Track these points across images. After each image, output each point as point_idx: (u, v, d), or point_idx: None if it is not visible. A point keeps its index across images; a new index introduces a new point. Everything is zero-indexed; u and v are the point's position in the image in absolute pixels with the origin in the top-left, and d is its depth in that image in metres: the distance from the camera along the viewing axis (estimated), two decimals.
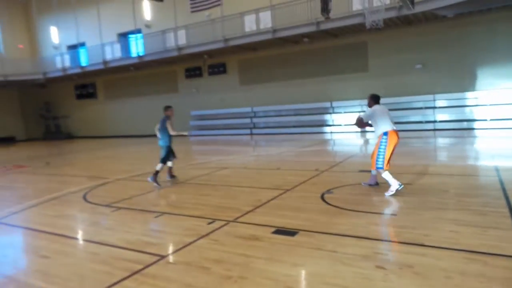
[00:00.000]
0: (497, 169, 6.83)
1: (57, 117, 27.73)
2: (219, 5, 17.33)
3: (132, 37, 22.75)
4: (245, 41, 17.24)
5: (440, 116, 15.09)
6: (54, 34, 25.43)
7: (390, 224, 4.43)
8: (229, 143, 16.30)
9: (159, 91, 22.73)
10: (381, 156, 5.38)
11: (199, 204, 5.62)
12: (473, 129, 14.22)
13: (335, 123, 17.40)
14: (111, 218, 5.28)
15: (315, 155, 10.87)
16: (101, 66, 22.17)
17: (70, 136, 27.36)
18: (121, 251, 3.88)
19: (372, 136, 15.03)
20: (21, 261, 3.96)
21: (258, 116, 19.71)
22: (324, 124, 17.72)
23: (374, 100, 5.81)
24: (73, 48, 25.02)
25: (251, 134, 19.34)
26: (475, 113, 14.52)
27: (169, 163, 7.67)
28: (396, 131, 5.47)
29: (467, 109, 14.71)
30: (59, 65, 24.04)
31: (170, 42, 19.48)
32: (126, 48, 22.65)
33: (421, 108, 15.35)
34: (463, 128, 14.32)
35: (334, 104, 17.47)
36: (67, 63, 23.89)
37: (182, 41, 19.01)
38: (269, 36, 16.39)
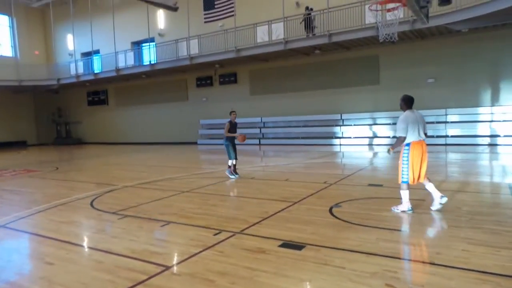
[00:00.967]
0: (511, 187, 6.66)
1: (68, 123, 28.14)
2: (232, 16, 17.52)
3: (145, 46, 23.09)
4: (257, 51, 17.35)
5: (452, 131, 14.89)
6: (70, 42, 25.96)
7: (400, 240, 4.32)
8: (237, 152, 16.24)
9: (169, 99, 22.93)
10: (405, 169, 5.00)
11: (206, 214, 5.57)
12: (486, 145, 13.98)
13: (344, 136, 17.29)
14: (117, 225, 5.26)
15: (324, 167, 10.77)
16: (114, 73, 22.50)
17: (80, 142, 27.70)
18: (126, 260, 3.84)
19: (381, 149, 14.93)
20: (25, 267, 3.94)
21: (268, 127, 19.71)
22: (333, 136, 17.62)
23: (406, 103, 5.16)
24: (87, 55, 25.48)
25: (260, 144, 19.31)
26: (488, 128, 14.30)
27: (234, 161, 8.79)
28: (422, 142, 5.02)
29: (479, 124, 14.49)
30: (73, 71, 24.48)
31: (183, 51, 19.71)
32: (139, 56, 22.99)
33: (432, 122, 15.17)
34: (476, 144, 14.09)
35: (344, 116, 17.38)
36: (81, 70, 24.31)
37: (195, 50, 19.22)
38: (281, 47, 16.46)
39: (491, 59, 14.14)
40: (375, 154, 14.03)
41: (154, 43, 22.23)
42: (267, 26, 16.89)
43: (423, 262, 3.45)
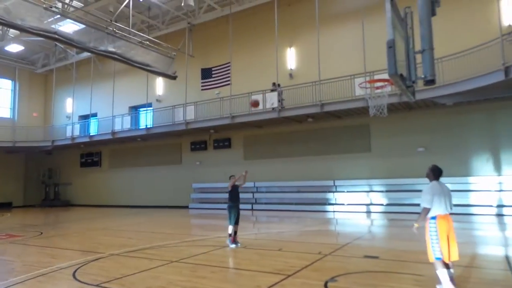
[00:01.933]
0: (508, 261, 6.48)
1: (58, 184, 27.68)
2: (228, 84, 18.35)
3: (142, 110, 23.74)
4: (251, 119, 17.88)
5: None
6: (69, 105, 26.66)
7: None
8: None
9: (163, 162, 22.98)
10: (435, 244, 4.60)
11: None
12: (478, 214, 13.90)
13: (338, 202, 17.15)
14: None
15: (318, 235, 10.50)
16: (109, 136, 22.77)
17: (68, 204, 27.01)
18: None
19: (377, 217, 14.73)
20: None
21: (260, 192, 19.56)
22: (326, 202, 17.47)
23: (434, 174, 4.98)
24: (85, 118, 26.00)
25: (252, 209, 18.99)
26: (479, 198, 14.34)
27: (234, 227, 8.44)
28: (448, 216, 4.76)
29: (470, 193, 14.56)
30: (69, 133, 24.75)
31: (179, 116, 20.24)
32: (135, 120, 23.50)
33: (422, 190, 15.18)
34: (467, 213, 14.01)
35: (337, 182, 17.41)
36: (77, 132, 24.62)
37: (191, 116, 19.74)
38: (274, 115, 17.02)
39: (477, 131, 14.68)
40: (371, 222, 13.80)
41: (151, 108, 22.88)
42: (261, 94, 17.61)
43: None
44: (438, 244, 4.59)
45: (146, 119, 22.84)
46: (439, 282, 4.68)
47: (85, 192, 26.57)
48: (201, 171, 21.55)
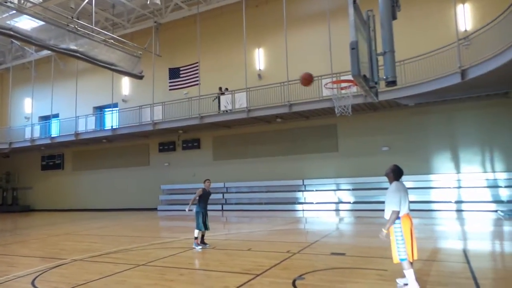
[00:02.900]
0: (465, 254, 6.85)
1: (16, 188, 26.28)
2: (197, 84, 18.17)
3: (107, 111, 23.00)
4: (221, 119, 17.82)
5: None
6: (28, 105, 25.37)
7: None
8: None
9: (130, 163, 22.40)
10: (401, 245, 4.56)
11: None
12: (438, 210, 14.60)
13: (307, 201, 17.43)
14: None
15: (287, 234, 10.61)
16: (72, 137, 21.90)
17: (28, 209, 25.71)
18: None
19: (345, 215, 15.11)
20: None
21: (230, 192, 19.52)
22: (296, 201, 17.71)
23: (395, 174, 4.87)
24: (45, 119, 24.83)
25: (222, 210, 18.91)
26: (439, 195, 15.06)
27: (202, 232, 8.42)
28: (409, 215, 4.77)
29: (431, 190, 15.26)
30: (28, 135, 23.55)
31: (146, 116, 19.80)
32: (100, 120, 22.74)
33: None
34: (428, 210, 14.67)
35: (306, 182, 17.70)
36: (37, 133, 23.47)
37: (158, 116, 19.37)
38: (244, 116, 17.04)
39: (437, 131, 15.42)
40: (338, 220, 14.12)
41: (117, 109, 22.22)
42: (230, 95, 17.58)
43: None
44: (404, 245, 4.56)
45: (112, 120, 22.15)
46: (402, 276, 4.84)
47: (47, 196, 25.38)
48: (170, 172, 21.20)
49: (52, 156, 25.44)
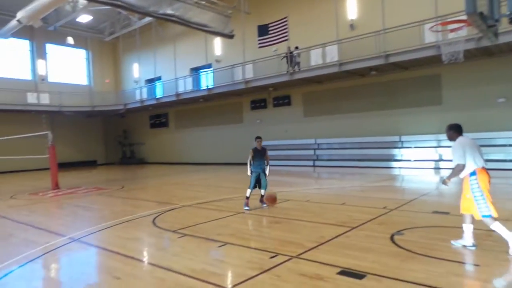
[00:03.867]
0: None
1: (132, 144, 30.16)
2: (286, 40, 17.90)
3: (203, 72, 24.31)
4: (311, 74, 17.44)
5: None
6: (136, 70, 28.20)
7: (473, 276, 3.97)
8: (291, 174, 16.21)
9: (225, 121, 23.70)
10: (480, 200, 4.31)
11: (261, 237, 5.60)
12: None
13: (404, 158, 16.48)
14: (177, 244, 5.47)
15: (382, 191, 10.32)
16: (174, 98, 23.86)
17: (143, 162, 29.43)
18: (186, 279, 3.97)
19: (447, 174, 13.89)
20: (96, 280, 4.23)
21: (322, 148, 19.46)
22: (391, 159, 16.87)
23: (457, 131, 4.67)
24: (150, 82, 27.41)
25: (314, 166, 19.07)
26: None
27: (262, 191, 8.15)
28: (486, 169, 4.49)
29: None
30: (137, 97, 26.41)
31: (238, 75, 20.41)
32: (197, 81, 24.22)
33: (504, 145, 13.94)
34: None
35: (404, 138, 16.64)
36: (145, 95, 26.16)
37: (249, 74, 19.80)
38: (335, 70, 16.39)
39: None
40: (439, 178, 13.15)
41: (211, 69, 23.32)
42: (320, 49, 16.96)
43: None
44: (484, 200, 4.30)
45: (207, 80, 23.41)
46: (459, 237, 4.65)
47: (156, 151, 28.65)
48: (262, 129, 21.86)
49: (158, 115, 28.28)
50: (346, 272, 3.90)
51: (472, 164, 4.42)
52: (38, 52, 26.98)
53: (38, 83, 26.69)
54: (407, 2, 15.52)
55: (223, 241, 5.40)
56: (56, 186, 13.67)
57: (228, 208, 8.14)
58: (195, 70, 25.32)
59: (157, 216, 7.52)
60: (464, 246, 4.59)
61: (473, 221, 4.58)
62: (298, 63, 18.32)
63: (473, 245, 4.54)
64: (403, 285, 3.55)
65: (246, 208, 7.76)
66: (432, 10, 13.61)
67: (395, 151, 16.80)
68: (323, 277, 3.82)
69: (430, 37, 13.33)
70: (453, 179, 4.68)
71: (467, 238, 4.59)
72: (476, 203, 4.36)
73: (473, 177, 4.40)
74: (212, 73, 22.93)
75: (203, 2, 17.66)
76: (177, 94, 23.57)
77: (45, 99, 25.38)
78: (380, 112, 17.32)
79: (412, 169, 15.58)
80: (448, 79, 15.35)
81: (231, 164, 22.69)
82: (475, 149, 4.49)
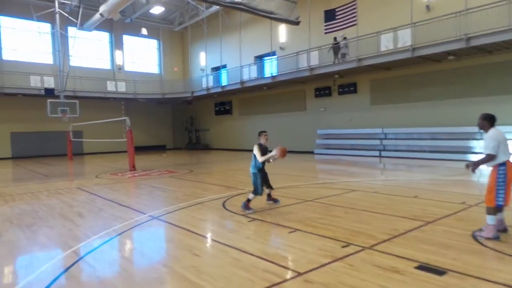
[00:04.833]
0: None
1: (198, 130, 31.55)
2: (354, 25, 17.24)
3: (267, 59, 24.42)
4: (381, 60, 16.63)
5: None
6: (202, 58, 29.24)
7: None
8: (356, 164, 15.79)
9: (288, 109, 23.69)
10: (501, 191, 4.58)
11: (331, 225, 5.59)
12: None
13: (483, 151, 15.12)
14: (247, 228, 5.69)
15: (459, 185, 9.64)
16: (238, 86, 24.36)
17: (207, 147, 30.69)
18: (259, 261, 4.14)
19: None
20: (177, 255, 4.58)
21: (389, 138, 18.61)
22: (468, 151, 15.60)
23: (490, 121, 4.84)
24: (216, 70, 28.26)
25: (380, 156, 18.34)
26: None
27: (266, 190, 7.05)
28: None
29: None
30: (204, 85, 27.42)
31: (303, 62, 20.18)
32: (261, 69, 24.43)
33: None
34: None
35: None
36: (210, 83, 27.07)
37: (315, 61, 19.47)
38: (408, 55, 15.45)
39: None
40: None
41: (275, 57, 23.33)
42: (392, 33, 16.06)
43: None
44: (503, 190, 4.57)
45: (271, 68, 23.50)
46: (488, 229, 4.67)
47: (220, 137, 29.67)
48: (326, 117, 21.53)
49: (223, 103, 29.14)
50: (424, 267, 3.77)
51: (504, 156, 4.65)
52: (116, 43, 29.19)
53: (115, 72, 28.95)
54: None
55: (292, 227, 5.50)
56: (132, 168, 14.87)
57: (294, 195, 8.23)
58: (259, 58, 25.52)
59: (226, 200, 7.87)
60: (489, 238, 4.62)
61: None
62: (344, 54, 18.31)
63: (496, 236, 4.64)
64: (490, 285, 3.34)
65: (250, 211, 6.60)
66: None
67: (473, 143, 15.50)
68: (400, 270, 3.73)
69: None
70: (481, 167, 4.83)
71: (491, 230, 4.67)
72: (497, 191, 4.61)
73: (503, 168, 4.64)
74: (276, 61, 22.94)
75: None
76: (242, 82, 24.01)
77: (122, 87, 27.49)
78: (456, 101, 16.03)
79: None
80: None
81: (294, 152, 22.73)
82: (506, 142, 4.70)
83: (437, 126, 16.63)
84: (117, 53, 29.19)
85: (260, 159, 6.76)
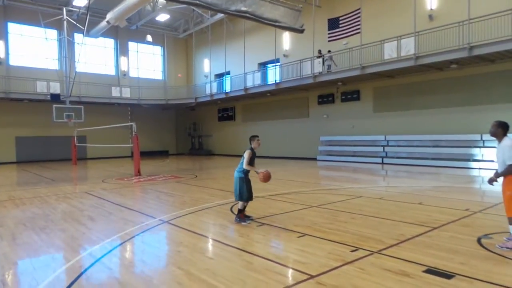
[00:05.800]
0: None
1: (201, 136, 31.73)
2: (358, 33, 17.47)
3: (270, 66, 24.68)
4: (384, 68, 16.84)
5: None
6: (206, 65, 29.53)
7: None
8: (359, 171, 15.90)
9: (291, 115, 23.88)
10: None
11: (339, 230, 5.71)
12: None
13: (485, 159, 15.26)
14: (257, 232, 5.82)
15: (462, 192, 9.74)
16: (242, 92, 24.58)
17: (210, 153, 30.84)
18: (272, 264, 4.27)
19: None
20: (192, 257, 4.71)
21: (391, 145, 18.75)
22: (470, 158, 15.73)
23: (505, 129, 4.77)
24: (220, 76, 28.52)
25: (383, 163, 18.47)
26: None
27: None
28: None
29: None
30: (207, 91, 27.66)
31: (306, 70, 20.40)
32: (264, 75, 24.69)
33: None
34: None
35: (486, 137, 15.38)
36: (214, 89, 27.31)
37: (318, 69, 19.69)
38: (411, 63, 15.66)
39: None
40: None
41: (279, 64, 23.58)
42: (395, 42, 16.29)
43: None
44: None
45: (275, 75, 23.74)
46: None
47: (222, 143, 29.83)
48: (328, 124, 21.70)
49: (226, 109, 29.36)
50: (432, 271, 3.89)
51: None
52: (121, 50, 29.52)
53: (120, 78, 29.23)
54: None
55: (301, 232, 5.63)
56: (138, 173, 15.02)
57: (300, 201, 8.35)
58: (263, 65, 25.78)
59: (233, 205, 7.99)
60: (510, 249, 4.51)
61: None
62: (329, 66, 19.19)
63: None
64: None
65: (247, 221, 6.37)
66: None
67: (475, 151, 15.62)
68: (409, 273, 3.85)
69: None
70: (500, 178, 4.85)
71: None
72: None
73: None
74: (279, 68, 23.18)
75: None
76: (245, 89, 24.23)
77: (126, 93, 27.75)
78: (458, 109, 16.21)
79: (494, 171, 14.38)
80: None
81: (296, 158, 22.87)
82: None
83: (439, 133, 16.79)
84: (122, 59, 29.50)
85: (245, 165, 6.35)
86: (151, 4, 24.51)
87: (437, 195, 9.17)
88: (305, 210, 7.45)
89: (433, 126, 17.06)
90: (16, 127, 25.37)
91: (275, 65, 23.93)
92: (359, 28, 17.54)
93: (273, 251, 4.79)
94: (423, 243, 4.94)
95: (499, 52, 13.43)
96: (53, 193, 10.63)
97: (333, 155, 21.08)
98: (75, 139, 23.16)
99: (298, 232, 5.64)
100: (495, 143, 14.39)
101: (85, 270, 4.24)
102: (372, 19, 18.34)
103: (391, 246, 4.81)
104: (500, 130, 4.76)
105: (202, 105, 30.62)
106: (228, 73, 27.53)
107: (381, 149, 18.95)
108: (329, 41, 19.38)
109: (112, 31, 27.07)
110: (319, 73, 19.58)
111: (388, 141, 18.86)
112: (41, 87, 23.97)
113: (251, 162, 6.47)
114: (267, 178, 6.46)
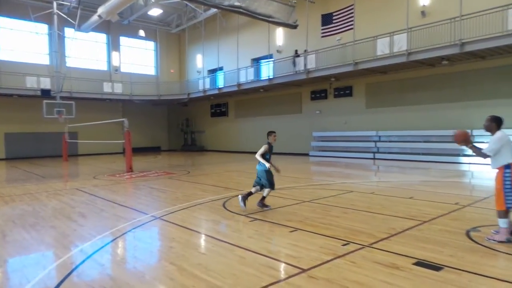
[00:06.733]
0: None
1: (194, 132, 31.62)
2: (351, 29, 17.51)
3: (264, 62, 24.64)
4: (376, 64, 16.93)
5: None
6: (199, 60, 29.36)
7: None
8: (351, 166, 16.01)
9: (284, 111, 23.90)
10: (509, 193, 4.62)
11: (331, 225, 5.75)
12: None
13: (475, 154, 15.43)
14: (250, 227, 5.84)
15: (451, 187, 9.88)
16: (235, 88, 24.52)
17: (203, 149, 30.78)
18: (265, 259, 4.29)
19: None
20: (184, 253, 4.70)
21: (383, 141, 18.90)
22: (460, 153, 15.93)
23: (498, 124, 4.82)
24: (213, 72, 28.39)
25: (374, 158, 18.61)
26: None
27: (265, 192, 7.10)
28: None
29: None
30: (200, 87, 27.53)
31: (299, 65, 20.41)
32: (257, 71, 24.64)
33: None
34: None
35: (476, 132, 15.57)
36: (207, 85, 27.19)
37: (311, 64, 19.71)
38: (403, 59, 15.75)
39: None
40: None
41: (272, 60, 23.55)
42: (388, 38, 16.36)
43: None
44: (511, 193, 4.60)
45: (268, 70, 23.71)
46: (501, 233, 4.68)
47: (215, 139, 29.78)
48: (321, 120, 21.77)
49: (219, 105, 29.27)
50: (422, 263, 3.95)
51: (507, 158, 4.68)
52: (113, 45, 29.20)
53: (112, 73, 28.94)
54: None
55: (293, 227, 5.66)
56: (130, 169, 14.93)
57: (292, 197, 8.39)
58: (256, 61, 25.72)
59: (226, 201, 8.00)
60: (501, 242, 4.61)
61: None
62: (305, 65, 19.70)
63: (509, 239, 4.63)
64: (485, 280, 3.52)
65: (267, 207, 7.02)
66: None
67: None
68: (399, 266, 3.91)
69: None
70: (470, 151, 5.04)
71: (503, 234, 4.67)
72: (505, 194, 4.64)
73: (508, 170, 4.66)
74: (273, 63, 23.15)
75: None
76: (238, 85, 24.17)
77: (118, 88, 27.50)
78: (449, 105, 16.38)
79: (484, 166, 14.58)
80: None
81: (288, 154, 22.91)
82: (511, 145, 4.74)
83: (430, 129, 16.95)
84: (114, 54, 29.18)
85: (257, 155, 7.02)
86: None
87: (427, 189, 9.28)
88: (297, 205, 7.49)
89: (424, 122, 17.22)
90: (5, 123, 25.02)
91: (268, 61, 23.89)
92: (352, 24, 17.58)
93: (266, 246, 4.81)
94: (413, 236, 5.01)
95: (490, 48, 13.59)
96: (43, 190, 10.53)
97: (325, 150, 21.18)
98: (66, 135, 22.92)
99: (290, 227, 5.67)
100: (485, 138, 14.56)
101: (77, 266, 4.22)
102: (365, 15, 18.38)
103: (382, 239, 4.87)
104: (494, 125, 4.84)
105: (195, 101, 30.49)
106: (221, 68, 27.43)
107: (373, 144, 19.09)
108: (322, 36, 19.39)
109: (104, 26, 26.74)
110: (296, 72, 19.88)
111: (380, 136, 19.00)
112: (31, 82, 23.63)
113: (266, 155, 7.03)
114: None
